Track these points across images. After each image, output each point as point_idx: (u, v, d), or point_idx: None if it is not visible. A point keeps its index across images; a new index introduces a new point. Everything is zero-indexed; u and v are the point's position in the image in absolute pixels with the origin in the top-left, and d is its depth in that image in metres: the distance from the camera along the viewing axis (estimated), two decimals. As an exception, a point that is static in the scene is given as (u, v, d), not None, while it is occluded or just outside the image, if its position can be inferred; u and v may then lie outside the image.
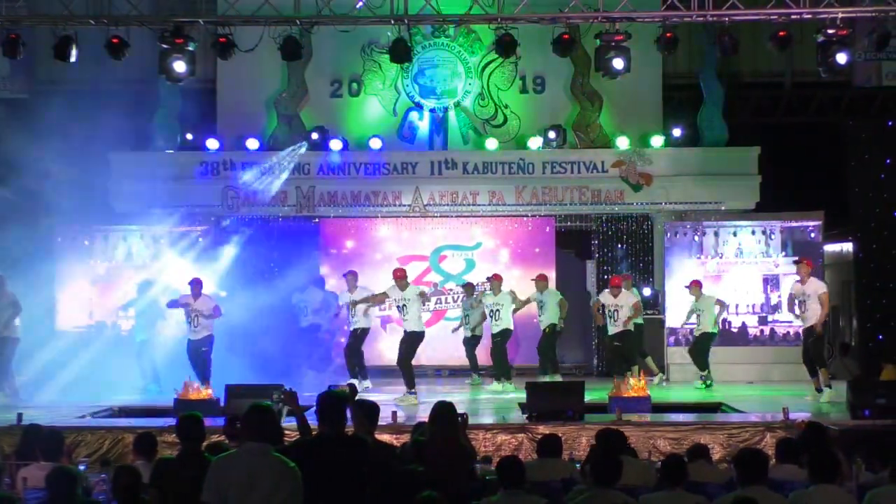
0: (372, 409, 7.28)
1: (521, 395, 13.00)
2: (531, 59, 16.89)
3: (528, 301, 15.66)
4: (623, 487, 6.53)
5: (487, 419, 11.65)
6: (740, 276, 16.77)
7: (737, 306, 16.66)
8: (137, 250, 16.88)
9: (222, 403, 11.88)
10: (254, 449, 5.48)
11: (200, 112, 17.53)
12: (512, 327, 15.17)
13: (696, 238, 16.88)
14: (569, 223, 17.99)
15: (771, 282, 16.63)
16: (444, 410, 7.39)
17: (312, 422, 6.47)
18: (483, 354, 16.03)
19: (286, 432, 6.83)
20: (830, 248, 18.88)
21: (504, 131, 17.62)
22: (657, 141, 17.00)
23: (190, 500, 5.67)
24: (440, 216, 17.56)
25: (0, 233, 14.17)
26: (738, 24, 13.36)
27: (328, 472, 5.74)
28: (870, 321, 18.31)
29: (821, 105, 18.68)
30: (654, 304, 16.85)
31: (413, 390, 13.45)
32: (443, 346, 17.03)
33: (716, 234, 16.89)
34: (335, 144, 16.99)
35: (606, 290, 14.80)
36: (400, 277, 13.74)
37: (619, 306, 14.41)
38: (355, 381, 13.42)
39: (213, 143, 17.10)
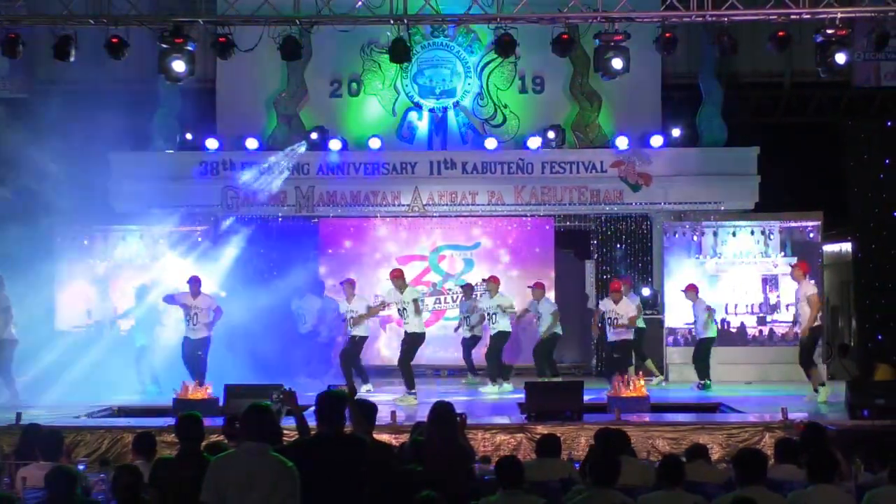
0: (370, 408, 7.29)
1: (517, 396, 13.11)
2: (530, 59, 16.89)
3: (526, 311, 15.63)
4: (622, 487, 6.54)
5: (484, 419, 11.64)
6: (739, 276, 16.78)
7: (736, 306, 16.68)
8: (137, 250, 16.88)
9: (221, 403, 11.90)
10: (252, 449, 5.48)
11: (200, 112, 17.53)
12: (509, 329, 15.13)
13: (695, 238, 16.89)
14: (568, 223, 17.99)
15: (770, 282, 16.64)
16: (442, 410, 7.39)
17: (312, 422, 6.48)
18: (480, 355, 16.02)
19: (285, 432, 6.84)
20: (829, 248, 18.89)
21: (503, 131, 17.61)
22: (656, 141, 16.99)
23: (189, 499, 5.68)
24: (439, 216, 17.56)
25: (-1, 233, 14.19)
26: (738, 24, 13.36)
27: (327, 471, 5.74)
28: (869, 321, 18.33)
29: (820, 105, 18.69)
30: (653, 305, 16.85)
31: (413, 391, 13.46)
32: (442, 346, 17.04)
33: (715, 234, 16.90)
34: (334, 144, 16.98)
35: (608, 297, 14.91)
36: (396, 277, 13.74)
37: (619, 314, 14.48)
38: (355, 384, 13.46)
39: (212, 143, 17.09)
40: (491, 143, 17.17)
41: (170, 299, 14.37)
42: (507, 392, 14.48)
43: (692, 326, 15.73)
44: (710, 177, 16.83)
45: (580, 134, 17.48)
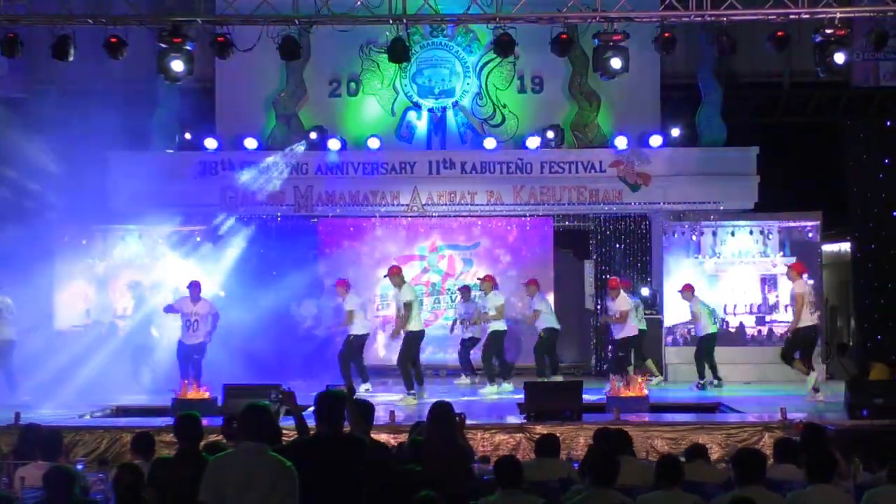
0: (367, 408, 7.29)
1: (517, 396, 13.11)
2: (529, 59, 16.88)
3: (536, 314, 15.60)
4: (621, 487, 6.54)
5: (484, 419, 11.63)
6: (738, 276, 16.78)
7: (735, 306, 16.69)
8: (136, 250, 16.88)
9: (220, 403, 11.90)
10: (250, 448, 5.48)
11: (199, 112, 17.51)
12: (503, 328, 15.11)
13: (694, 238, 16.89)
14: (567, 223, 17.98)
15: (769, 282, 16.65)
16: (442, 410, 7.39)
17: (312, 422, 6.47)
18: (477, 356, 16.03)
19: (284, 432, 6.83)
20: (828, 248, 18.89)
21: (502, 131, 17.60)
22: (655, 141, 16.99)
23: (188, 499, 5.67)
24: (438, 216, 17.56)
25: (-2, 232, 14.18)
26: (737, 23, 13.35)
27: (326, 471, 5.74)
28: (868, 321, 18.33)
29: (819, 105, 18.68)
30: (652, 304, 16.85)
31: (412, 391, 13.42)
32: (441, 346, 17.04)
33: (714, 233, 16.91)
34: (333, 144, 16.98)
35: (608, 295, 15.23)
36: (394, 274, 13.71)
37: (614, 311, 14.70)
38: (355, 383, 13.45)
39: (211, 143, 17.09)
40: (490, 143, 17.17)
41: (170, 309, 14.36)
42: (506, 392, 14.48)
43: (692, 326, 15.75)
44: (709, 177, 16.83)
45: (579, 134, 17.48)
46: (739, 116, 18.02)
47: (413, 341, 13.66)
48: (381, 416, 11.11)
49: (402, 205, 17.11)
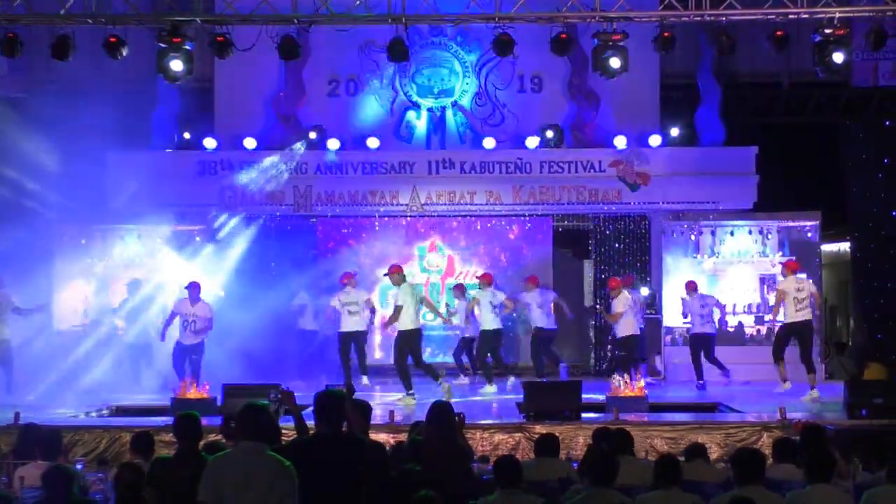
0: (365, 408, 7.29)
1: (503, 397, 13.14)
2: (529, 59, 16.85)
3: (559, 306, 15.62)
4: (620, 487, 6.54)
5: (483, 419, 11.62)
6: (737, 275, 16.78)
7: (734, 306, 16.69)
8: (135, 249, 16.87)
9: (219, 403, 11.90)
10: (249, 448, 5.47)
11: (198, 111, 17.53)
12: (493, 327, 15.10)
13: (693, 238, 16.90)
14: (566, 222, 18.00)
15: (768, 281, 16.64)
16: (441, 410, 7.39)
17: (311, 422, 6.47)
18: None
19: (283, 432, 6.82)
20: (828, 247, 18.89)
21: (501, 130, 17.61)
22: (654, 140, 17.00)
23: (187, 499, 5.67)
24: (438, 216, 17.57)
25: (-3, 232, 14.18)
26: (736, 23, 13.34)
27: (325, 471, 5.74)
28: (867, 321, 18.33)
29: (818, 105, 18.70)
30: (651, 304, 16.86)
31: (411, 391, 13.39)
32: (441, 346, 17.05)
33: (713, 233, 16.92)
34: (332, 143, 16.99)
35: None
36: (394, 273, 13.71)
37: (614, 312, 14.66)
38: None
39: (210, 143, 17.10)
40: (489, 143, 17.17)
41: (171, 317, 14.34)
42: (489, 393, 14.43)
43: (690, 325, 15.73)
44: (709, 176, 16.83)
45: (578, 133, 17.47)
46: (738, 116, 18.04)
47: (402, 340, 13.52)
48: (383, 415, 11.13)
49: (402, 204, 17.11)
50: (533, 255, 17.67)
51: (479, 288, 15.32)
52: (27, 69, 16.74)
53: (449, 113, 17.72)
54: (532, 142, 17.06)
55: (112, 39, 13.02)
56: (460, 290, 16.34)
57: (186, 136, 17.46)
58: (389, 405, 12.38)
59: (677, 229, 16.95)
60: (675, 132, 17.27)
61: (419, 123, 17.73)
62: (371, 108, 17.76)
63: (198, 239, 16.78)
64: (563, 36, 13.65)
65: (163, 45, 12.96)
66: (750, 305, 16.75)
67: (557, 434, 9.10)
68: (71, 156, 15.42)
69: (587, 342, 17.96)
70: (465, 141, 17.66)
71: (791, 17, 13.00)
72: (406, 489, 6.18)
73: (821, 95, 18.49)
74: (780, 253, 16.69)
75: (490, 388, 14.63)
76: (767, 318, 16.32)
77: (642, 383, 12.88)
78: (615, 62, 13.08)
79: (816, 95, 18.49)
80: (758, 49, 14.39)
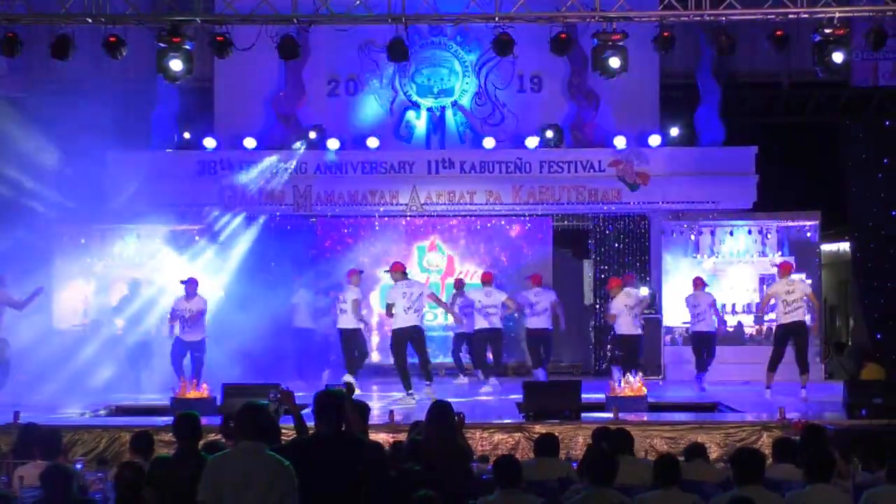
0: (363, 408, 7.30)
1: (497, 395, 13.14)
2: (528, 59, 16.85)
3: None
4: (620, 487, 6.54)
5: (482, 418, 11.62)
6: (737, 275, 16.78)
7: (733, 306, 16.69)
8: (135, 249, 16.87)
9: (219, 402, 11.90)
10: (248, 448, 5.47)
11: (198, 111, 17.51)
12: (479, 326, 15.08)
13: (693, 237, 16.91)
14: (566, 222, 17.99)
15: (767, 281, 16.60)
16: (441, 410, 7.39)
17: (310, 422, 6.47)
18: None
19: (283, 431, 6.83)
20: (827, 247, 18.89)
21: (501, 130, 17.60)
22: (654, 140, 17.00)
23: (186, 498, 5.67)
24: (437, 215, 17.57)
25: (-3, 231, 14.17)
26: (736, 23, 13.35)
27: (324, 471, 5.74)
28: (867, 320, 18.33)
29: (818, 105, 18.68)
30: (651, 304, 16.85)
31: (411, 391, 13.39)
32: (440, 346, 17.01)
33: (712, 233, 16.93)
34: (332, 143, 16.98)
35: None
36: (395, 270, 13.69)
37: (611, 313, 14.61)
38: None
39: (210, 142, 17.09)
40: (489, 143, 17.17)
41: (173, 314, 14.33)
42: (485, 393, 14.43)
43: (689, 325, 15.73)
44: (708, 176, 16.83)
45: (578, 133, 17.47)
46: (738, 116, 18.02)
47: (395, 339, 13.50)
48: (382, 415, 11.13)
49: (401, 204, 17.11)
50: (533, 254, 17.66)
51: (480, 286, 15.34)
52: (27, 69, 16.74)
53: (449, 113, 17.71)
54: (532, 142, 17.05)
55: (112, 39, 13.02)
56: (458, 284, 16.30)
57: (186, 135, 17.45)
58: (389, 405, 12.38)
59: (677, 229, 16.95)
60: (674, 132, 17.27)
61: (419, 123, 17.72)
62: (371, 107, 17.75)
63: (197, 239, 16.77)
64: (563, 36, 13.65)
65: (162, 45, 12.96)
66: (749, 305, 16.75)
67: (557, 434, 9.11)
68: (70, 155, 15.43)
69: (587, 342, 17.95)
70: (465, 141, 17.65)
71: (791, 16, 13.00)
72: (406, 489, 6.18)
73: (821, 95, 18.48)
74: (780, 253, 16.70)
75: (486, 388, 14.65)
76: (768, 317, 16.32)
77: (641, 383, 12.87)
78: (615, 62, 13.08)
79: (816, 95, 18.48)
80: (757, 49, 14.40)
